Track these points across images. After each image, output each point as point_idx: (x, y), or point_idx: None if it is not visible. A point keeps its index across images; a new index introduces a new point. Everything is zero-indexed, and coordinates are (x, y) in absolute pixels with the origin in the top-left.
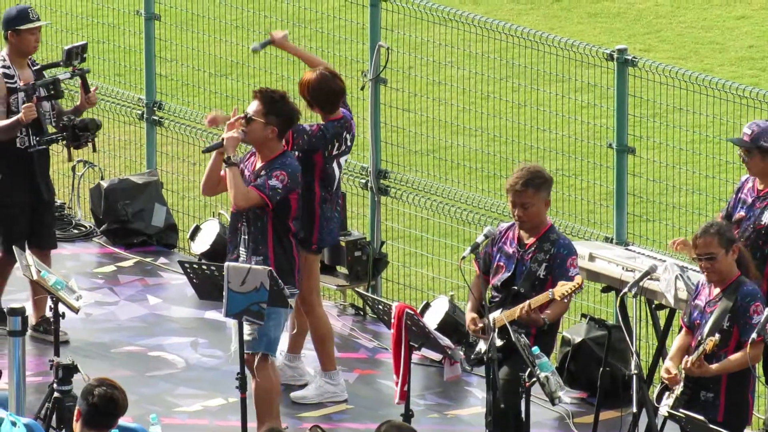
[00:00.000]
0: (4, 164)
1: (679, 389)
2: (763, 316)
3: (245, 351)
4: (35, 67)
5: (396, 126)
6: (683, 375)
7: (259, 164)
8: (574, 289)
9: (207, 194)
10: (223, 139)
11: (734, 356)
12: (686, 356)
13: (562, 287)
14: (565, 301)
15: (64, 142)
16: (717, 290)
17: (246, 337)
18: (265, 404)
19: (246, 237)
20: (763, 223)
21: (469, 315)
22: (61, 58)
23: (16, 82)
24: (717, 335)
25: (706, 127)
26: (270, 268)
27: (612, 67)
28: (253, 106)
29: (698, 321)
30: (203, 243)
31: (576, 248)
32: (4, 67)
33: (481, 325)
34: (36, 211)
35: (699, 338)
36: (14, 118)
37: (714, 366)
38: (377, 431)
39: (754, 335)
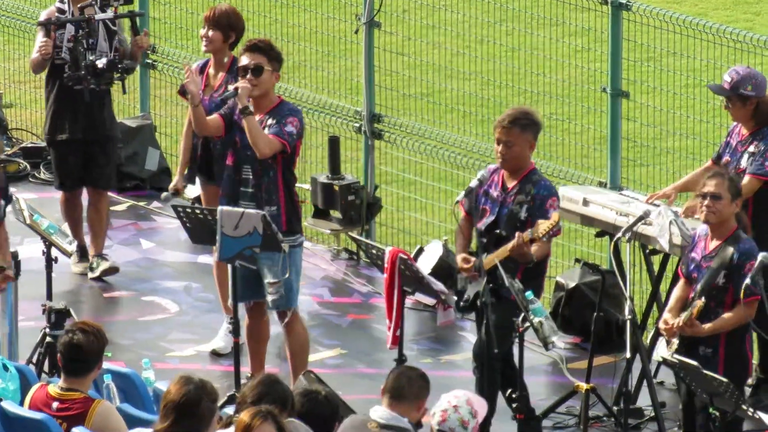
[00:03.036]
0: (53, 100)
1: (675, 342)
2: (749, 276)
3: (277, 309)
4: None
5: (390, 70)
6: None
7: (258, 116)
8: (552, 227)
9: (201, 135)
10: (236, 89)
11: (727, 315)
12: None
13: (539, 225)
14: (544, 239)
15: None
16: (714, 243)
17: (273, 297)
18: (301, 358)
19: (252, 190)
20: (741, 166)
21: (460, 255)
22: None
23: (67, 17)
24: (703, 299)
25: (700, 71)
26: (263, 212)
27: (606, 10)
28: (255, 58)
29: (695, 274)
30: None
31: (569, 193)
32: (60, 1)
33: (472, 263)
34: (89, 150)
35: (693, 294)
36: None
37: (707, 326)
38: (390, 374)
39: (747, 280)
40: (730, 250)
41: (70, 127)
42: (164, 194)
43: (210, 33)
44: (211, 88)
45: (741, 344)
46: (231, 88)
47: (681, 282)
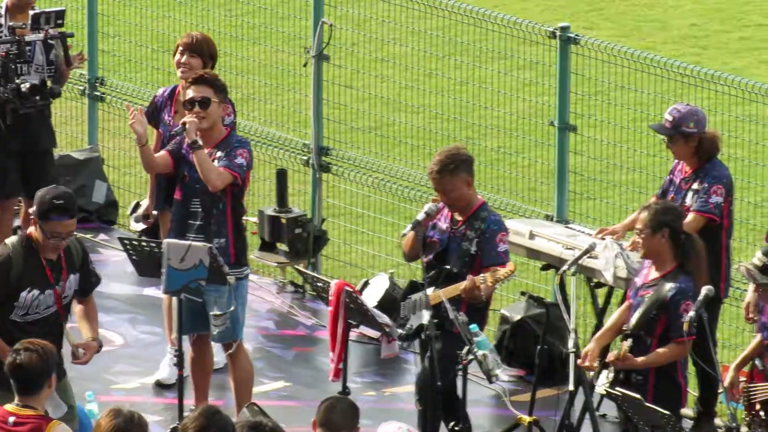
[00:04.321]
0: None
1: (612, 370)
2: (687, 317)
3: (222, 341)
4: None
5: (338, 103)
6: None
7: (207, 149)
8: (509, 275)
9: (150, 173)
10: (184, 124)
11: (661, 350)
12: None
13: (496, 272)
14: (490, 284)
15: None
16: (654, 275)
17: (219, 329)
18: (246, 389)
19: (202, 223)
20: (686, 204)
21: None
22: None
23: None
24: (629, 342)
25: (647, 105)
26: (210, 245)
27: (554, 44)
28: (202, 91)
29: (631, 300)
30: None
31: (516, 226)
32: None
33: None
34: (28, 162)
35: (626, 327)
36: None
37: (640, 359)
38: (320, 406)
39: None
40: (667, 286)
41: (8, 138)
42: (135, 215)
43: (190, 60)
44: (181, 114)
45: (673, 372)
46: (180, 123)
47: (624, 306)
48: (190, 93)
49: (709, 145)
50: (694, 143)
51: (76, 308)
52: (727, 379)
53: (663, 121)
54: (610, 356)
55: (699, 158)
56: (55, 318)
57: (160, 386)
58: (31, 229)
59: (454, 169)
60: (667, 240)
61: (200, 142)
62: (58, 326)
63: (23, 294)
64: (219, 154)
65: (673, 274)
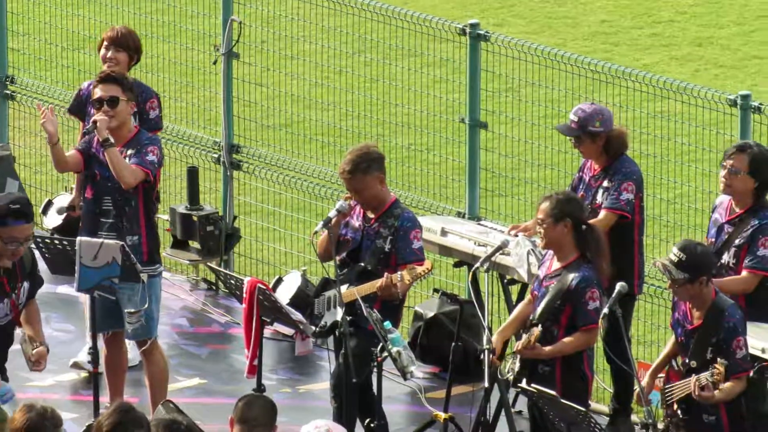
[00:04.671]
0: None
1: (517, 364)
2: (612, 297)
3: (137, 338)
4: None
5: (249, 100)
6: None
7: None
8: (426, 273)
9: (62, 172)
10: (95, 122)
11: (567, 339)
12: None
13: (414, 270)
14: (414, 284)
15: None
16: (556, 265)
17: (134, 326)
18: (162, 386)
19: (114, 221)
20: (597, 202)
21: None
22: None
23: None
24: (540, 329)
25: (559, 101)
26: (122, 243)
27: (465, 41)
28: (110, 90)
29: (536, 292)
30: (55, 217)
31: (428, 223)
32: None
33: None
34: None
35: (531, 317)
36: None
37: (547, 348)
38: (238, 403)
39: (605, 310)
40: (570, 276)
41: None
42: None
43: (116, 54)
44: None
45: (578, 363)
46: (90, 122)
47: (526, 299)
48: (99, 92)
49: (617, 143)
50: (601, 142)
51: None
52: (643, 381)
53: (568, 122)
54: (518, 345)
55: (607, 156)
56: (11, 327)
57: (77, 367)
58: None
59: (366, 168)
60: (569, 230)
61: (112, 140)
62: (11, 334)
63: None
64: (130, 152)
65: (575, 263)
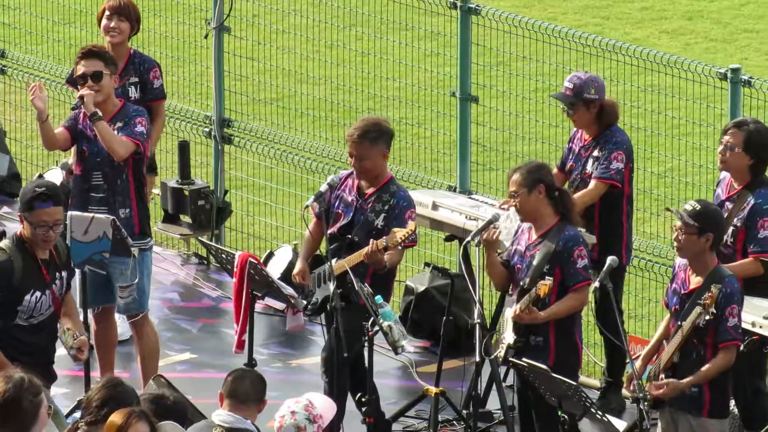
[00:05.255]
0: None
1: (512, 337)
2: (603, 270)
3: (128, 312)
4: None
5: (240, 75)
6: (509, 323)
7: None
8: (407, 236)
9: (51, 150)
10: (81, 98)
11: (562, 301)
12: (515, 305)
13: (396, 234)
14: (400, 248)
15: None
16: (536, 234)
17: (126, 300)
18: (152, 361)
19: (104, 195)
20: (587, 171)
21: (300, 264)
22: None
23: None
24: (549, 279)
25: (549, 75)
26: (112, 217)
27: (455, 15)
28: (93, 65)
29: (519, 265)
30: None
31: (419, 197)
32: None
33: (305, 281)
34: None
35: (522, 284)
36: None
37: (543, 312)
38: (227, 378)
39: (596, 284)
40: (555, 239)
41: None
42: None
43: (119, 24)
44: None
45: (571, 333)
46: (76, 97)
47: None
48: (82, 68)
49: (610, 111)
50: (595, 110)
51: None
52: (637, 363)
53: (563, 90)
54: (517, 308)
55: (599, 125)
56: (54, 320)
57: None
58: (20, 229)
59: (374, 138)
60: (544, 196)
61: (100, 114)
62: (54, 327)
63: (27, 297)
64: (119, 124)
65: (558, 227)
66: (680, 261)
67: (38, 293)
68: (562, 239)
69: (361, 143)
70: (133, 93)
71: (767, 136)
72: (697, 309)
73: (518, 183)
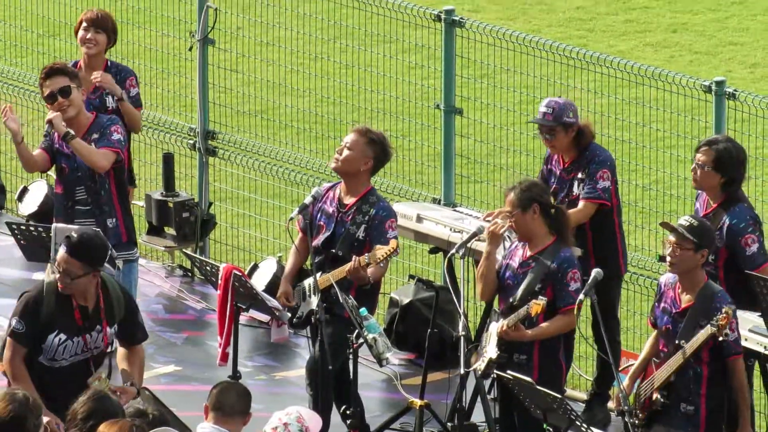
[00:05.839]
0: None
1: (495, 352)
2: (588, 283)
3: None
4: None
5: (224, 87)
6: (493, 337)
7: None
8: (390, 253)
9: (31, 171)
10: (50, 122)
11: (551, 322)
12: (501, 320)
13: (377, 251)
14: (381, 265)
15: None
16: (531, 251)
17: None
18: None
19: (90, 208)
20: (575, 193)
21: (283, 285)
22: None
23: None
24: (543, 299)
25: (533, 88)
26: (97, 228)
27: (440, 27)
28: (58, 82)
29: (510, 281)
30: (31, 204)
31: (403, 209)
32: None
33: (289, 302)
34: None
35: (511, 301)
36: None
37: (530, 331)
38: (212, 390)
39: (581, 296)
40: (550, 259)
41: None
42: None
43: (96, 36)
44: (84, 91)
45: (556, 352)
46: (45, 123)
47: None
48: (48, 88)
49: (586, 133)
50: (573, 133)
51: (120, 349)
52: (624, 382)
53: (540, 115)
54: (504, 325)
55: (577, 147)
56: (81, 370)
57: None
58: None
59: (371, 141)
60: (538, 215)
61: (72, 132)
62: (81, 380)
63: (50, 336)
64: (95, 136)
65: (553, 247)
66: (667, 278)
67: (63, 336)
68: (557, 260)
69: (358, 137)
70: (111, 103)
71: (738, 155)
72: (709, 329)
73: (513, 203)
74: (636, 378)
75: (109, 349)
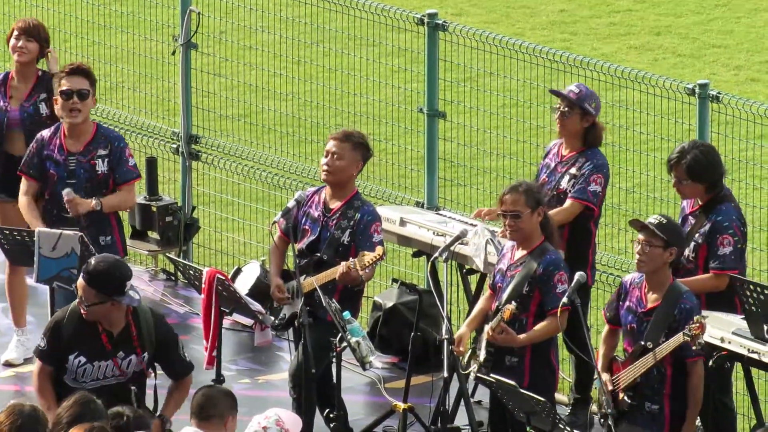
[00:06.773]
0: None
1: (482, 355)
2: (571, 287)
3: None
4: None
5: (207, 91)
6: (485, 341)
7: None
8: (376, 260)
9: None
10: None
11: (539, 327)
12: (486, 323)
13: (363, 258)
14: (367, 270)
15: None
16: (520, 253)
17: None
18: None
19: (85, 225)
20: (561, 187)
21: (275, 280)
22: None
23: None
24: (514, 303)
25: (517, 91)
26: (81, 233)
27: (423, 31)
28: (80, 83)
29: (500, 284)
30: None
31: (386, 213)
32: None
33: (287, 295)
34: None
35: (498, 303)
36: None
37: (522, 336)
38: (196, 394)
39: (565, 299)
40: (537, 261)
41: None
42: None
43: (27, 44)
44: (17, 99)
45: (547, 353)
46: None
47: (486, 294)
48: (67, 84)
49: (598, 133)
50: (586, 124)
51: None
52: (603, 377)
53: (566, 92)
54: (488, 328)
55: (584, 142)
56: (115, 389)
57: (9, 366)
58: None
59: (356, 144)
60: (541, 218)
61: (100, 202)
62: (116, 396)
63: (71, 357)
64: (101, 152)
65: (539, 249)
66: (632, 277)
67: (83, 358)
68: (543, 262)
69: (342, 143)
70: (44, 110)
71: (708, 158)
72: (681, 337)
73: (522, 203)
74: (608, 368)
75: (151, 375)
